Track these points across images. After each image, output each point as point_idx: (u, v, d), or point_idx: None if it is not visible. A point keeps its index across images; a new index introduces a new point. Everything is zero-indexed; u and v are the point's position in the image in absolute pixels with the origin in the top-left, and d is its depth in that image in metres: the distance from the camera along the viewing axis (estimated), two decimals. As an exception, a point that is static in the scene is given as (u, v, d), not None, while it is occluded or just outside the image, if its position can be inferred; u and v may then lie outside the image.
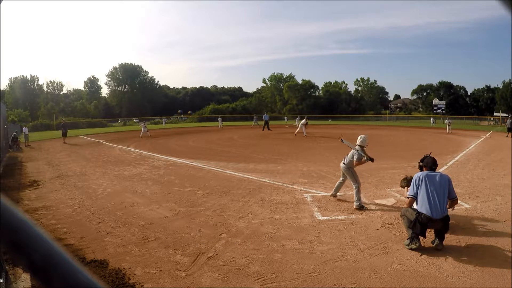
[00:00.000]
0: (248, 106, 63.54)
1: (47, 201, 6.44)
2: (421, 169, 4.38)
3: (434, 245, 4.02)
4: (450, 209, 4.23)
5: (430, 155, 4.39)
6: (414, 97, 73.04)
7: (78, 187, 7.64)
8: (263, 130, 26.72)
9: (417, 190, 4.12)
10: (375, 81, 69.52)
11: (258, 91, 72.80)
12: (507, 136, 20.78)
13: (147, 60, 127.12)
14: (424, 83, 70.35)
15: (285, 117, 49.82)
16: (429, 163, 4.27)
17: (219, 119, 36.38)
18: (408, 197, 4.25)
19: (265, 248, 4.06)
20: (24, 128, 20.91)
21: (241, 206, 5.80)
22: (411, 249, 3.95)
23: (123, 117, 55.55)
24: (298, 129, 21.93)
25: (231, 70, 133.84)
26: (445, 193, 4.04)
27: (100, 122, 46.27)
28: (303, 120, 22.33)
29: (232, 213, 5.45)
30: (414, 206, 4.21)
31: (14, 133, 17.54)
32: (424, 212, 3.99)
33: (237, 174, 8.79)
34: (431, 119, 41.30)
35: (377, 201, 6.00)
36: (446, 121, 27.14)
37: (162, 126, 39.93)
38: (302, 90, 63.41)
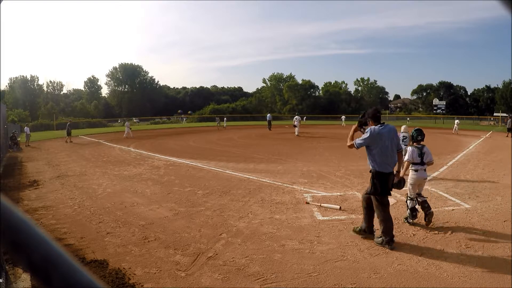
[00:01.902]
0: (248, 106, 63.57)
1: (47, 201, 6.44)
2: (361, 125, 4.22)
3: (366, 233, 4.22)
4: (399, 165, 4.24)
5: (375, 108, 4.35)
6: (414, 97, 73.05)
7: (78, 187, 7.64)
8: (270, 129, 26.99)
9: (371, 145, 3.98)
10: (375, 81, 69.65)
11: (258, 91, 72.82)
12: (507, 136, 20.78)
13: (147, 60, 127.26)
14: (424, 83, 70.42)
15: (304, 117, 47.45)
16: (370, 114, 4.12)
17: (224, 119, 36.46)
18: (353, 145, 4.08)
19: (265, 248, 4.06)
20: (26, 128, 20.92)
21: (241, 206, 5.80)
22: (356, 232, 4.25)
23: (123, 117, 55.57)
24: (298, 128, 22.14)
25: (231, 70, 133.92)
26: (395, 145, 4.06)
27: (100, 122, 46.27)
28: (297, 117, 22.63)
29: (232, 213, 5.44)
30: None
31: (13, 132, 17.51)
32: (383, 170, 3.96)
33: (237, 174, 8.79)
34: (408, 118, 42.70)
35: (377, 201, 5.99)
36: (456, 121, 26.26)
37: (182, 124, 41.16)
38: (302, 90, 63.46)
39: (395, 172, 4.16)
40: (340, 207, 5.55)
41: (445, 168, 9.42)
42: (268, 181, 7.75)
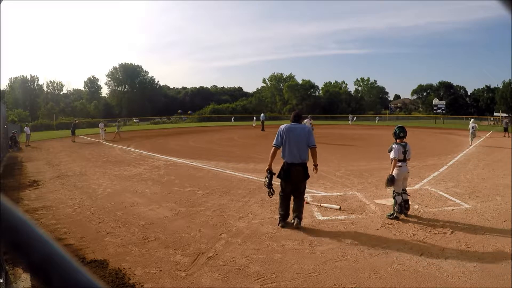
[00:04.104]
0: (248, 106, 63.54)
1: (47, 201, 6.44)
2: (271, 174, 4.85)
3: (294, 225, 4.65)
4: (315, 159, 4.80)
5: (296, 111, 5.11)
6: (414, 97, 73.08)
7: (78, 187, 7.64)
8: (262, 130, 26.57)
9: (281, 140, 4.66)
10: (375, 81, 69.64)
11: (258, 91, 72.78)
12: (505, 136, 20.73)
13: (147, 60, 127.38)
14: (424, 83, 70.44)
15: (351, 117, 43.59)
16: (291, 117, 4.89)
17: (254, 118, 34.95)
18: (273, 146, 4.72)
19: (265, 248, 4.06)
20: (26, 128, 20.92)
21: (241, 206, 5.80)
22: (282, 226, 4.65)
23: (123, 117, 55.55)
24: None
25: (231, 70, 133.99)
26: (305, 142, 4.61)
27: (100, 122, 46.21)
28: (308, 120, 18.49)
29: (232, 213, 5.44)
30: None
31: (13, 132, 17.49)
32: (286, 160, 4.61)
33: (237, 174, 8.79)
34: (349, 116, 42.98)
35: (377, 201, 6.00)
36: (471, 122, 18.48)
37: (231, 123, 40.53)
38: (302, 90, 63.42)
39: (313, 165, 4.82)
40: (340, 207, 5.55)
41: (445, 168, 9.42)
42: (268, 181, 7.74)
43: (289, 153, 4.58)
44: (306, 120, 18.09)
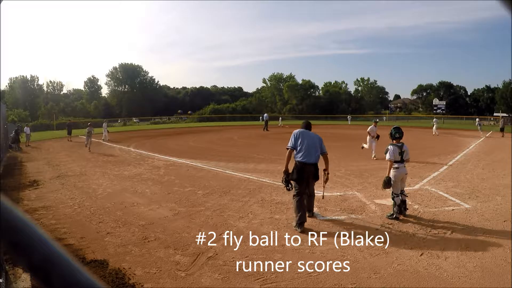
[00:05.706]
0: (248, 106, 63.53)
1: (47, 201, 6.44)
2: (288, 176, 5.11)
3: (308, 215, 4.92)
4: (327, 165, 5.11)
5: (307, 120, 5.42)
6: (414, 97, 73.01)
7: (78, 187, 7.64)
8: (267, 130, 26.82)
9: (295, 143, 4.88)
10: (375, 81, 69.41)
11: (258, 91, 72.67)
12: (503, 136, 20.72)
13: (147, 60, 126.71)
14: (424, 83, 70.27)
15: (280, 118, 42.29)
16: (303, 125, 5.19)
17: (280, 118, 39.28)
18: (287, 149, 4.94)
19: (265, 248, 4.06)
20: (26, 128, 20.90)
21: (241, 206, 5.80)
22: (301, 231, 4.52)
23: (123, 117, 55.52)
24: (368, 145, 11.62)
25: (231, 70, 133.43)
26: (317, 146, 4.91)
27: (100, 122, 46.23)
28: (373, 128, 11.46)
29: (232, 213, 5.45)
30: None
31: (17, 126, 17.50)
32: (299, 160, 4.81)
33: (237, 174, 8.79)
34: (348, 116, 44.44)
35: (377, 201, 6.00)
36: (478, 121, 22.96)
37: (259, 122, 39.93)
38: (302, 90, 63.35)
39: (323, 169, 5.10)
40: (323, 197, 5.54)
41: (445, 168, 9.42)
42: (268, 181, 7.75)
43: (304, 152, 4.82)
44: (371, 126, 11.66)
